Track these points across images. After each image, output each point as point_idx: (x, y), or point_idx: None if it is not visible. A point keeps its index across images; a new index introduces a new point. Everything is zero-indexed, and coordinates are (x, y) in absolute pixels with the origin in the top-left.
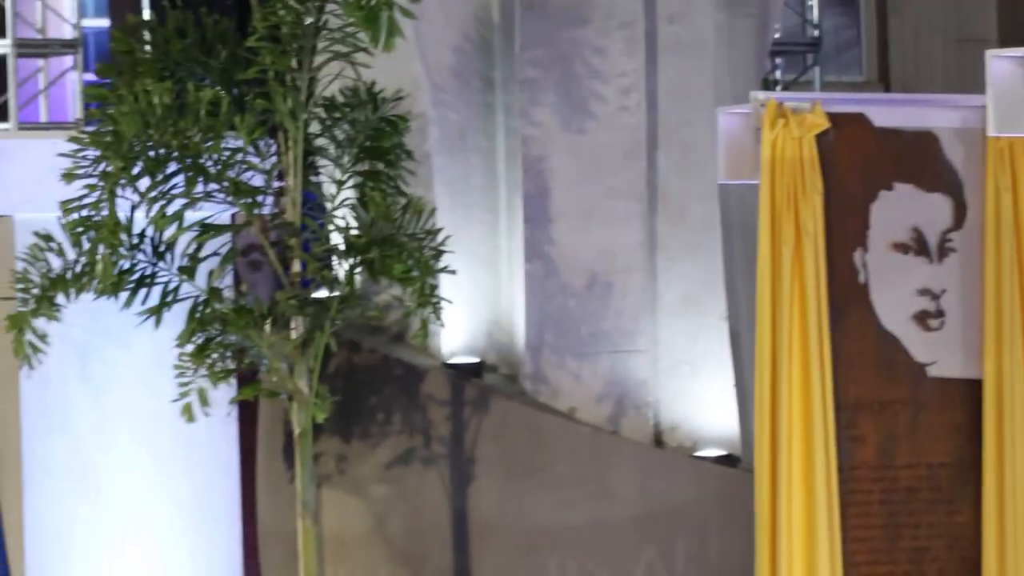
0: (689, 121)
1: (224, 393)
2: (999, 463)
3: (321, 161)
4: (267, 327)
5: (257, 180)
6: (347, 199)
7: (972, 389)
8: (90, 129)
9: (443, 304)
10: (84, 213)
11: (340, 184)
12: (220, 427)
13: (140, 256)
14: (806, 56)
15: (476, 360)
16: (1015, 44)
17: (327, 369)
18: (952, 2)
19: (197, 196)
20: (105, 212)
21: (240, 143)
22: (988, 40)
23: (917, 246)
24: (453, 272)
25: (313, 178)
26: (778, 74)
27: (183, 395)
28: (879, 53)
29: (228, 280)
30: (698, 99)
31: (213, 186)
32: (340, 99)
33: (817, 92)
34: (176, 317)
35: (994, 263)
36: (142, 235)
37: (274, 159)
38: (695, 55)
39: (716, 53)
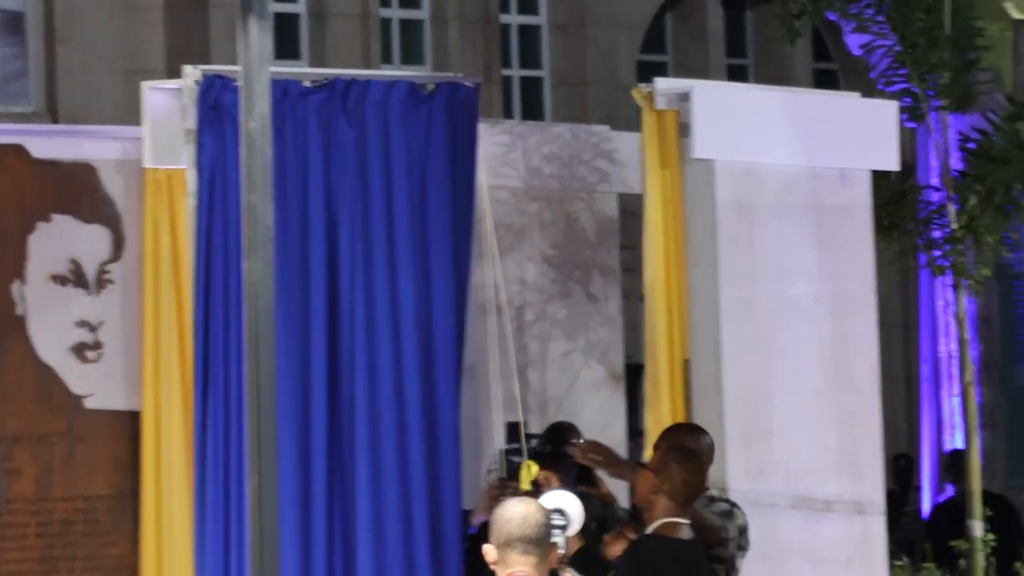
0: None
1: None
2: (157, 495)
3: None
4: None
5: None
6: None
7: (132, 421)
8: None
9: None
10: None
11: None
12: None
13: None
14: None
15: None
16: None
17: None
18: (120, 33)
19: None
20: None
21: None
22: (156, 71)
23: (75, 277)
24: None
25: None
26: None
27: None
28: (47, 83)
29: None
30: None
31: None
32: None
33: None
34: None
35: (152, 296)
36: None
37: None
38: None
39: None
